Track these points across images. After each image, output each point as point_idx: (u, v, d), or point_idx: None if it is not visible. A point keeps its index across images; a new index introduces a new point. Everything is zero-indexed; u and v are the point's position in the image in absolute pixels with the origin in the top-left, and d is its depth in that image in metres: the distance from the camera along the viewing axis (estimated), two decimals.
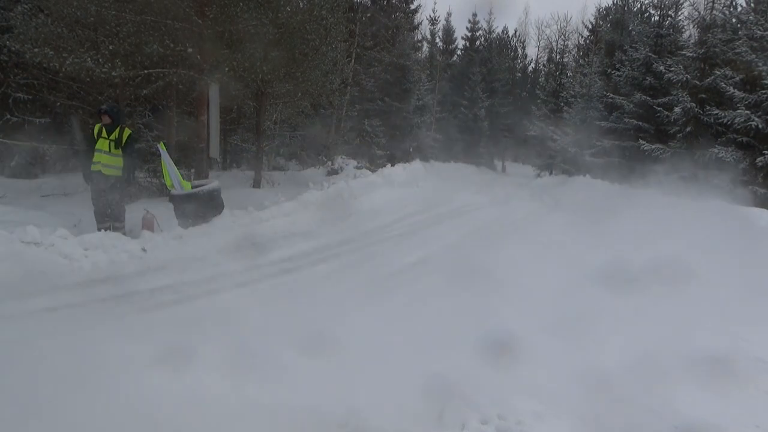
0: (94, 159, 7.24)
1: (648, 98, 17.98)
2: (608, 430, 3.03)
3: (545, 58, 45.04)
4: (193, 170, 11.30)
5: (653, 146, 16.80)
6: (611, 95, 19.87)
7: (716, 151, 14.69)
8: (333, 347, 3.91)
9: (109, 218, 7.39)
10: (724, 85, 15.09)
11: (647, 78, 18.37)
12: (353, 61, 21.91)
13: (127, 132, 7.25)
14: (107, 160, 7.20)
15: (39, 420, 2.86)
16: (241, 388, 3.26)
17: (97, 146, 7.22)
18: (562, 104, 27.56)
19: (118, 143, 7.16)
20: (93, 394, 3.12)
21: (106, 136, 7.18)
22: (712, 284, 5.77)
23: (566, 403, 3.23)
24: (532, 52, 58.93)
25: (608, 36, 26.04)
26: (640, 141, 17.11)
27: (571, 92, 26.80)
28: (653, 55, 18.44)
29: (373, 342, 4.09)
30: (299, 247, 7.43)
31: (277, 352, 3.86)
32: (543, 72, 43.78)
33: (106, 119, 7.21)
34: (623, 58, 20.24)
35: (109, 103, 8.56)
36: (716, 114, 15.02)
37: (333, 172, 19.64)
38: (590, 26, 34.28)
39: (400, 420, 2.79)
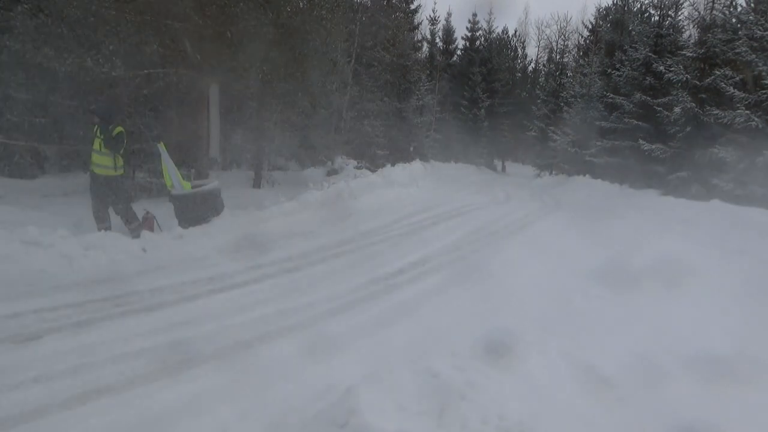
0: (91, 159, 7.28)
1: (648, 98, 17.99)
2: (608, 430, 3.03)
3: (545, 58, 45.07)
4: (193, 170, 11.31)
5: (653, 146, 16.81)
6: (611, 95, 19.88)
7: (716, 151, 14.69)
8: (333, 347, 3.92)
9: (107, 220, 7.38)
10: (724, 85, 15.09)
11: (647, 78, 18.38)
12: (353, 61, 21.91)
13: (117, 129, 7.22)
14: (98, 159, 7.20)
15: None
16: (241, 389, 3.26)
17: (93, 146, 7.24)
18: (562, 104, 27.57)
19: (107, 142, 7.15)
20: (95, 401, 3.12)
21: (99, 136, 7.19)
22: (712, 284, 5.78)
23: (566, 402, 3.24)
24: (532, 52, 58.99)
25: (608, 36, 26.02)
26: (640, 141, 17.12)
27: (571, 92, 26.81)
28: (653, 55, 18.45)
29: (373, 342, 4.09)
30: (299, 247, 7.44)
31: (277, 352, 3.87)
32: (543, 72, 43.79)
33: (95, 119, 7.22)
34: (623, 58, 20.25)
35: (100, 102, 8.51)
36: (716, 114, 15.03)
37: (333, 172, 19.66)
38: (590, 26, 34.29)
39: (400, 420, 2.79)
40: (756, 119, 14.03)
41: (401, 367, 3.40)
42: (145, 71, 9.83)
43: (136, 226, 7.42)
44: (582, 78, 26.25)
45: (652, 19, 21.25)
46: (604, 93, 20.62)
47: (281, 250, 7.20)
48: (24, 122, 11.96)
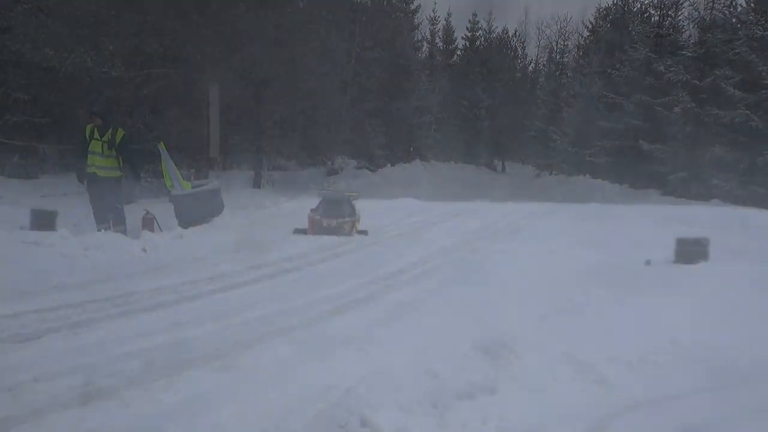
0: (88, 161, 7.21)
1: (648, 98, 17.99)
2: (610, 431, 3.02)
3: (545, 58, 45.00)
4: (193, 170, 11.31)
5: (653, 146, 16.80)
6: (611, 95, 19.88)
7: (716, 151, 14.70)
8: (333, 347, 3.91)
9: (108, 220, 7.38)
10: (723, 85, 15.08)
11: (647, 78, 18.38)
12: (353, 61, 21.90)
13: (120, 133, 7.19)
14: (101, 161, 7.16)
15: None
16: (241, 389, 3.26)
17: (90, 148, 7.18)
18: (562, 104, 27.58)
19: (111, 144, 7.12)
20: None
21: (99, 138, 7.13)
22: (713, 284, 5.77)
23: (567, 403, 3.24)
24: (532, 52, 58.79)
25: (608, 36, 26.01)
26: (640, 141, 17.11)
27: (571, 92, 26.83)
28: (653, 55, 18.45)
29: (372, 341, 4.09)
30: (299, 248, 7.43)
31: (277, 352, 3.86)
32: (543, 72, 43.75)
33: (98, 120, 7.18)
34: (623, 58, 20.25)
35: (101, 103, 8.53)
36: (716, 114, 15.02)
37: (333, 172, 19.64)
38: (590, 26, 34.25)
39: (400, 420, 2.79)
40: (756, 119, 14.03)
41: (400, 365, 3.41)
42: (145, 71, 9.83)
43: (123, 229, 7.40)
44: (582, 78, 26.23)
45: (652, 19, 21.25)
46: (604, 93, 20.62)
47: (281, 250, 7.20)
48: (24, 122, 11.96)
